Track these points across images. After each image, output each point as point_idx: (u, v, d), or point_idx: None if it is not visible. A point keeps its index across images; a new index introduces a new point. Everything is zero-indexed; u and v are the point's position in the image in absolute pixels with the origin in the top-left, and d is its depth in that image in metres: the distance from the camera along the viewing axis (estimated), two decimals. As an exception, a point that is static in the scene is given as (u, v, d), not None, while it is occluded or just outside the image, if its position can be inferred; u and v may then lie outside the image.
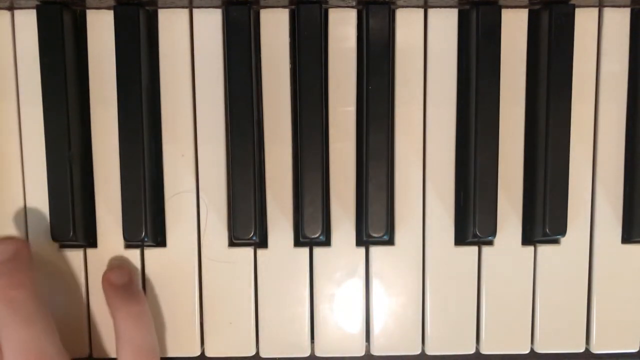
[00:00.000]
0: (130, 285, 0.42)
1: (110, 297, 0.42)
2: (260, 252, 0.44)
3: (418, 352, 0.45)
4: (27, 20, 0.42)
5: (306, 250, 0.44)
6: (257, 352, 0.44)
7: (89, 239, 0.44)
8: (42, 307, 0.40)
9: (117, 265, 0.43)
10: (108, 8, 0.42)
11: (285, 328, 0.44)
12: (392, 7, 0.42)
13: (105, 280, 0.42)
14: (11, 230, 0.43)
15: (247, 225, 0.41)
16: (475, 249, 0.44)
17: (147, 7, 0.42)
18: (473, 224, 0.41)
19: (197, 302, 0.44)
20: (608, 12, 0.43)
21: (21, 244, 0.42)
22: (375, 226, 0.41)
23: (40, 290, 0.42)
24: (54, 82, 0.40)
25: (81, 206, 0.42)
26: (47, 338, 0.38)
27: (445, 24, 0.42)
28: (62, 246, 0.44)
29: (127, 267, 0.43)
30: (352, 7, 0.42)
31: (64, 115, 0.40)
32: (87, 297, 0.44)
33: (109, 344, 0.44)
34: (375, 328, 0.44)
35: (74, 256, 0.43)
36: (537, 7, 0.42)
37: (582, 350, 0.45)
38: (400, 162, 0.43)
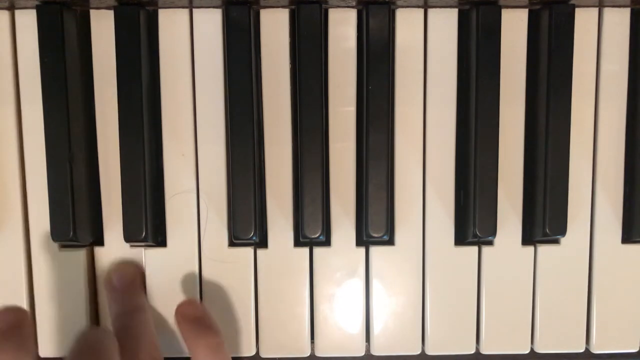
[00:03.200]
0: (204, 317, 0.41)
1: (186, 331, 0.40)
2: (260, 252, 0.44)
3: (418, 352, 0.45)
4: (27, 20, 0.42)
5: (306, 250, 0.44)
6: (257, 352, 0.44)
7: (89, 239, 0.44)
8: None
9: (188, 299, 0.43)
10: (108, 8, 0.42)
11: (285, 328, 0.44)
12: (392, 7, 0.42)
13: (179, 313, 0.41)
14: (11, 230, 0.43)
15: (247, 225, 0.41)
16: (475, 249, 0.44)
17: (147, 7, 0.42)
18: (473, 224, 0.41)
19: (197, 302, 0.44)
20: (608, 12, 0.43)
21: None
22: (375, 226, 0.41)
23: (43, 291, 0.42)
24: (54, 82, 0.40)
25: (81, 206, 0.42)
26: None
27: (445, 24, 0.42)
28: (64, 246, 0.44)
29: (197, 301, 0.43)
30: (352, 7, 0.42)
31: (64, 115, 0.40)
32: (88, 297, 0.44)
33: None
34: (375, 328, 0.44)
35: (74, 256, 0.43)
36: (537, 7, 0.42)
37: (582, 350, 0.45)
38: (400, 162, 0.43)
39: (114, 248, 0.44)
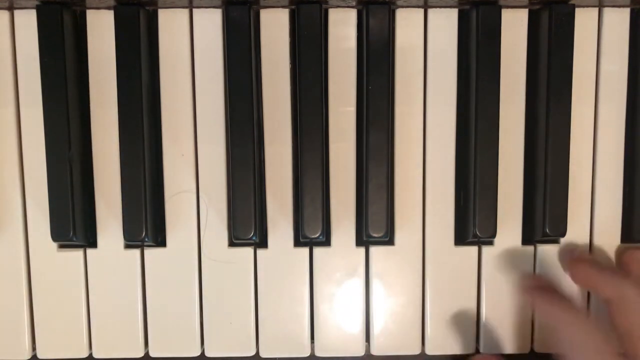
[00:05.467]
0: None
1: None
2: (260, 252, 0.44)
3: (418, 352, 0.45)
4: (27, 20, 0.42)
5: (306, 250, 0.44)
6: (257, 352, 0.44)
7: (89, 239, 0.44)
8: None
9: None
10: (108, 8, 0.42)
11: (285, 328, 0.44)
12: (392, 7, 0.42)
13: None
14: (11, 230, 0.43)
15: (247, 225, 0.41)
16: (475, 248, 0.44)
17: (147, 7, 0.42)
18: (473, 224, 0.41)
19: (197, 302, 0.44)
20: (608, 12, 0.43)
21: None
22: (375, 226, 0.41)
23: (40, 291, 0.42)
24: (54, 82, 0.40)
25: (81, 206, 0.42)
26: None
27: (445, 24, 0.42)
28: (62, 246, 0.44)
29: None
30: (352, 7, 0.42)
31: (64, 115, 0.40)
32: (87, 297, 0.44)
33: (109, 344, 0.44)
34: (375, 328, 0.44)
35: (74, 256, 0.43)
36: (537, 7, 0.42)
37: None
38: (400, 162, 0.43)
39: (108, 250, 0.43)
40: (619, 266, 0.44)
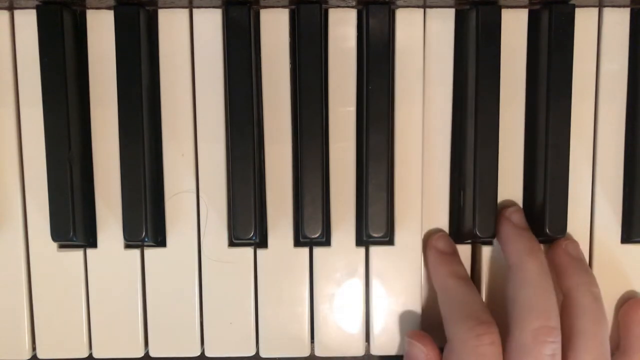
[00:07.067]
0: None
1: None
2: (260, 252, 0.44)
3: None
4: (27, 20, 0.42)
5: (306, 250, 0.44)
6: (257, 352, 0.44)
7: (89, 239, 0.44)
8: None
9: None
10: (108, 8, 0.42)
11: (285, 328, 0.44)
12: (392, 7, 0.42)
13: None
14: (11, 230, 0.43)
15: (247, 225, 0.41)
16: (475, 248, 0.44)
17: (147, 7, 0.42)
18: (473, 224, 0.41)
19: (197, 302, 0.44)
20: (608, 12, 0.43)
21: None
22: (375, 226, 0.41)
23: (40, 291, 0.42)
24: (54, 82, 0.40)
25: (81, 206, 0.42)
26: None
27: (444, 24, 0.42)
28: (62, 246, 0.44)
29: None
30: (352, 7, 0.42)
31: (64, 116, 0.40)
32: (87, 297, 0.44)
33: (109, 344, 0.44)
34: (375, 328, 0.44)
35: (74, 256, 0.43)
36: (537, 7, 0.42)
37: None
38: (400, 162, 0.43)
39: (108, 250, 0.43)
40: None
